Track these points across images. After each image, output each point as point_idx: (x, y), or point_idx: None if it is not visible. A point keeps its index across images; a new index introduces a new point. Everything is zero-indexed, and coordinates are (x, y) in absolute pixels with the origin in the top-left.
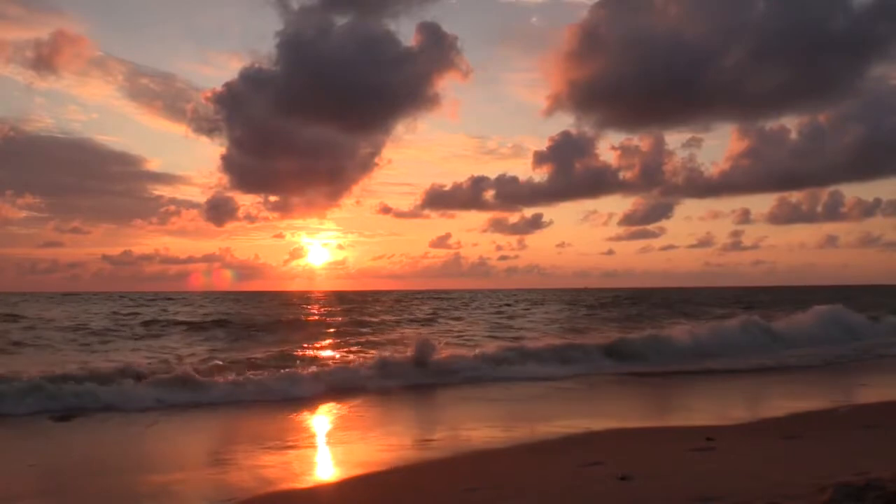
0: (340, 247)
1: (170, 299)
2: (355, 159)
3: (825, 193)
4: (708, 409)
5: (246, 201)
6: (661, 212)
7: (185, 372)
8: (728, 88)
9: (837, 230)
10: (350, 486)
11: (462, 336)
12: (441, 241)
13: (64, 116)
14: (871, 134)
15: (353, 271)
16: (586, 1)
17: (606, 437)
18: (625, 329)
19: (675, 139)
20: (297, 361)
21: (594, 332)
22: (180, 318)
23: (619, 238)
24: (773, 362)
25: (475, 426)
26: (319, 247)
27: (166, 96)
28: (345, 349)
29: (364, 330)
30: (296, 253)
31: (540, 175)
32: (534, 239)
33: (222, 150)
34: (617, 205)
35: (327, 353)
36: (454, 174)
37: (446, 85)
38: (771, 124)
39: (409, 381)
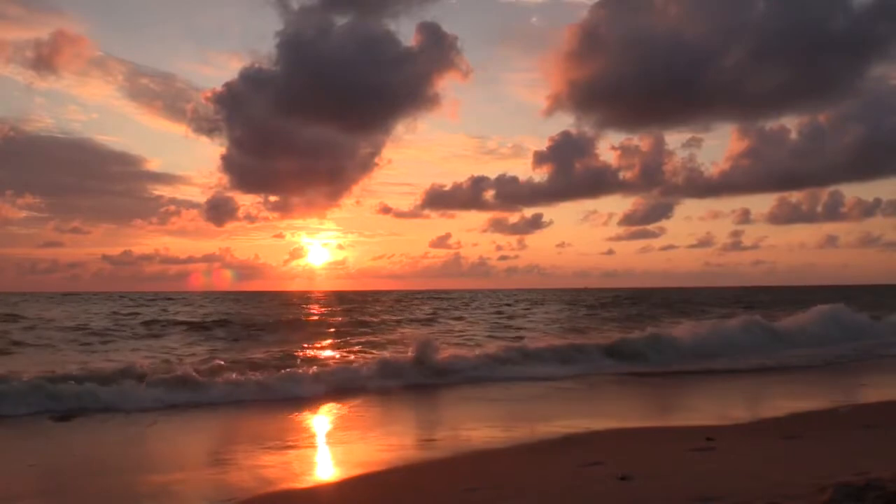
0: (340, 247)
1: (170, 299)
2: (355, 159)
3: (825, 193)
4: (708, 409)
5: (246, 201)
6: (661, 212)
7: (185, 372)
8: (728, 88)
9: (837, 230)
10: (350, 486)
11: (462, 336)
12: (441, 241)
13: (64, 116)
14: (871, 134)
15: (353, 271)
16: (586, 1)
17: (606, 437)
18: (625, 329)
19: (675, 139)
20: (298, 361)
21: (594, 332)
22: (180, 318)
23: (619, 238)
24: (774, 362)
25: (475, 426)
26: (319, 247)
27: (166, 96)
28: (345, 349)
29: (364, 330)
30: (296, 253)
31: (540, 175)
32: (534, 239)
33: (222, 150)
34: (617, 205)
35: (328, 353)
36: (454, 174)
37: (446, 85)
38: (771, 124)
39: (410, 381)
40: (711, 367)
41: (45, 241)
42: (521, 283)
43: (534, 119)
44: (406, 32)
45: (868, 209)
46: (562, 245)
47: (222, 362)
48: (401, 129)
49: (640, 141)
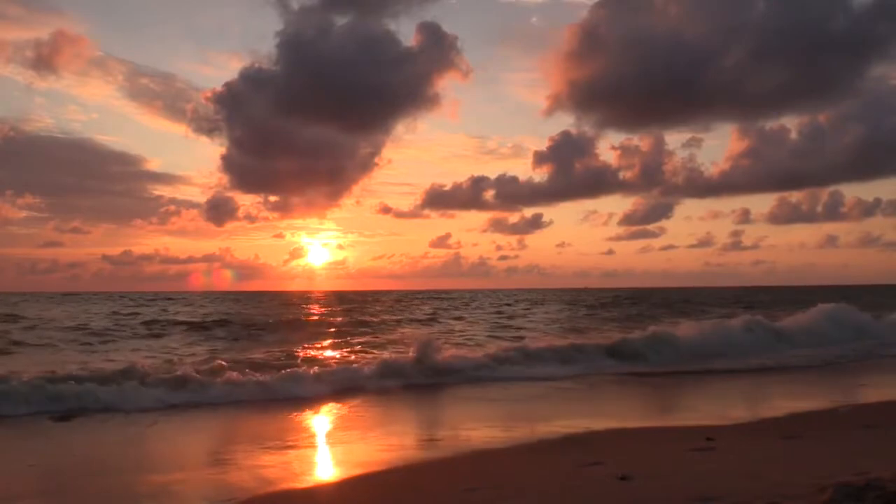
0: (340, 247)
1: (170, 299)
2: (355, 159)
3: (825, 193)
4: (708, 409)
5: (246, 201)
6: (661, 212)
7: (185, 372)
8: (728, 88)
9: (837, 230)
10: (350, 486)
11: (463, 335)
12: (441, 241)
13: (64, 116)
14: (871, 134)
15: (353, 271)
16: (586, 1)
17: (606, 437)
18: (625, 329)
19: (675, 139)
20: (298, 361)
21: (594, 332)
22: (180, 318)
23: (619, 238)
24: (774, 362)
25: (475, 426)
26: (319, 247)
27: (166, 96)
28: (346, 349)
29: (364, 330)
30: (296, 253)
31: (540, 175)
32: (534, 239)
33: (222, 150)
34: (617, 205)
35: (328, 353)
36: (454, 174)
37: (446, 85)
38: (771, 124)
39: (410, 381)
40: (711, 368)
41: (45, 241)
42: (521, 283)
43: (534, 119)
44: (406, 32)
45: (868, 209)
46: (562, 245)
47: (224, 363)
48: (401, 129)
49: (640, 141)
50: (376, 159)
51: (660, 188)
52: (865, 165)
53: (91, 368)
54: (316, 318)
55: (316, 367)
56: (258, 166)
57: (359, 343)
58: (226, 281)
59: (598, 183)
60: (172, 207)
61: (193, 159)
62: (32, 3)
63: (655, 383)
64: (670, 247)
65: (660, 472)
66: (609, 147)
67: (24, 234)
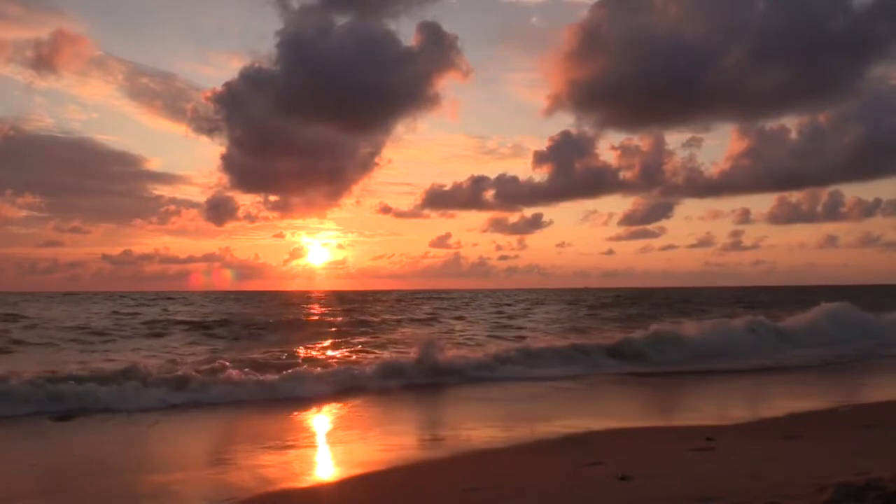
0: (340, 246)
1: (170, 299)
2: (355, 159)
3: (825, 193)
4: (708, 409)
5: (246, 201)
6: (661, 212)
7: (185, 372)
8: (728, 88)
9: (837, 230)
10: (350, 485)
11: (463, 335)
12: (441, 241)
13: (64, 116)
14: (871, 134)
15: (353, 271)
16: (586, 1)
17: (606, 437)
18: (626, 329)
19: (675, 139)
20: (299, 361)
21: (595, 332)
22: (181, 317)
23: (619, 238)
24: (774, 362)
25: (475, 426)
26: (319, 246)
27: (166, 96)
28: (346, 349)
29: (365, 329)
30: (296, 253)
31: (540, 175)
32: (534, 239)
33: (222, 149)
34: (617, 205)
35: (329, 352)
36: (454, 174)
37: (446, 85)
38: (771, 124)
39: (410, 381)
40: (711, 367)
41: (45, 240)
42: (521, 283)
43: (534, 119)
44: (406, 32)
45: (868, 209)
46: (562, 245)
47: (228, 363)
48: (401, 129)
49: (640, 141)
50: (376, 159)
51: (660, 188)
52: (865, 165)
53: (91, 368)
54: (316, 317)
55: (316, 368)
56: (258, 166)
57: (359, 343)
58: (226, 281)
59: (598, 183)
60: (172, 207)
61: (193, 159)
62: (32, 3)
63: (656, 383)
64: (670, 247)
65: (660, 472)
66: (609, 147)
67: (24, 234)
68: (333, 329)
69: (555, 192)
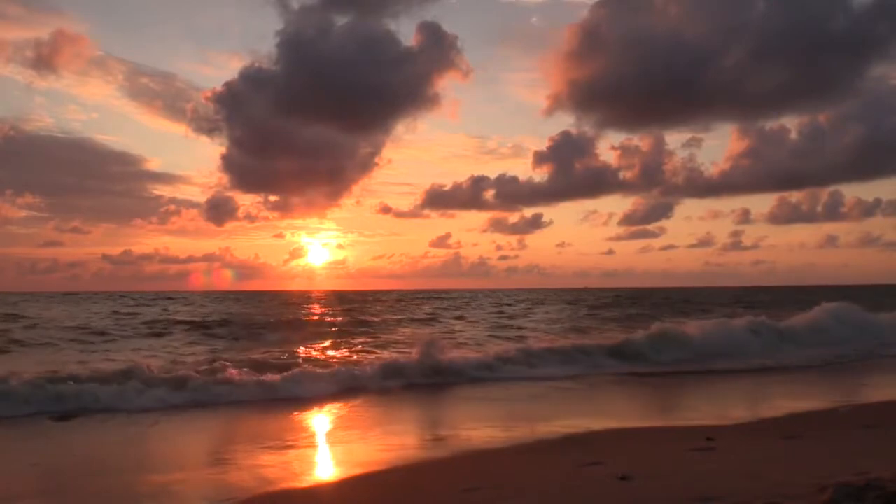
0: (340, 246)
1: (170, 299)
2: (355, 159)
3: (825, 193)
4: (708, 409)
5: (246, 201)
6: (661, 212)
7: (185, 372)
8: (728, 88)
9: (837, 230)
10: (350, 485)
11: (463, 335)
12: (441, 241)
13: (64, 116)
14: (871, 134)
15: (353, 271)
16: (586, 1)
17: (606, 437)
18: (626, 329)
19: (675, 139)
20: (299, 361)
21: (596, 332)
22: (181, 317)
23: (619, 238)
24: (774, 362)
25: (475, 426)
26: (319, 246)
27: (166, 96)
28: (346, 349)
29: (365, 329)
30: (296, 253)
31: (540, 175)
32: (534, 239)
33: (222, 149)
34: (617, 205)
35: (329, 352)
36: (454, 174)
37: (446, 85)
38: (771, 124)
39: (410, 381)
40: (712, 367)
41: (45, 240)
42: (521, 283)
43: (534, 119)
44: (406, 32)
45: (868, 209)
46: (562, 245)
47: (228, 363)
48: (401, 129)
49: (640, 141)
50: (376, 159)
51: (660, 188)
52: (865, 165)
53: (91, 368)
54: (316, 317)
55: (317, 367)
56: (258, 166)
57: (359, 343)
58: (226, 280)
59: (598, 183)
60: (172, 207)
61: (193, 159)
62: (32, 3)
63: (656, 383)
64: (670, 247)
65: (660, 472)
66: (609, 147)
67: (24, 234)
68: (334, 329)
69: (555, 192)
